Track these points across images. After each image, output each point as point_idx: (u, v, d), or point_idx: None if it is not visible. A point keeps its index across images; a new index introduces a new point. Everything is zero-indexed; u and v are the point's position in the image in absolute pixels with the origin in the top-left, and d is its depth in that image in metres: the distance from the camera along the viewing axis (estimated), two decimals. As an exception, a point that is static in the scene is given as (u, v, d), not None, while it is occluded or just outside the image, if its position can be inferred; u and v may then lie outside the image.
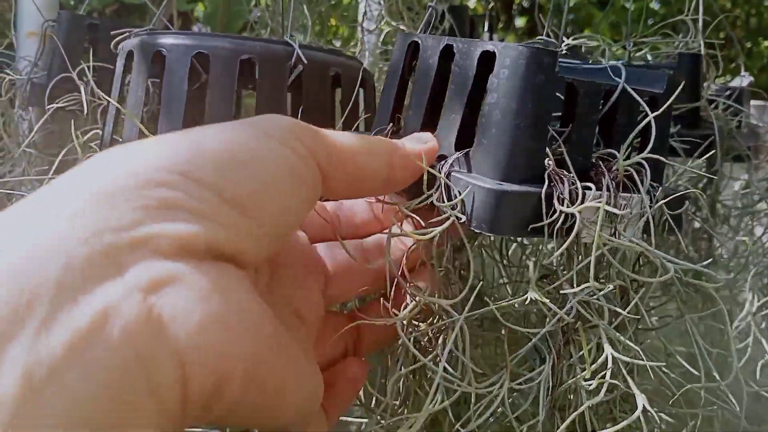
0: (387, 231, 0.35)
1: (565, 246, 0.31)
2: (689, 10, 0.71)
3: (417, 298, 0.34)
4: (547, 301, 0.31)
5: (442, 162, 0.35)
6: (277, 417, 0.29)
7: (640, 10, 0.80)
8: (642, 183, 0.35)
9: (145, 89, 0.49)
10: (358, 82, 0.51)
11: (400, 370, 0.36)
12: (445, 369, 0.33)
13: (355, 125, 0.50)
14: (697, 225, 0.69)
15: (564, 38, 0.74)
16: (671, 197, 0.36)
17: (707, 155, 0.67)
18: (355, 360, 0.37)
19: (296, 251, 0.36)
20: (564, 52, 0.58)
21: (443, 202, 0.34)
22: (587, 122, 0.35)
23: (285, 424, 0.30)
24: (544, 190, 0.32)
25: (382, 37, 0.84)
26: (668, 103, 0.37)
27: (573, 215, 0.31)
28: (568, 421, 0.32)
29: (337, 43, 1.08)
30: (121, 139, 0.50)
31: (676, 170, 0.72)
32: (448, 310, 0.33)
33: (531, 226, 0.32)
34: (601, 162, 0.35)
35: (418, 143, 0.35)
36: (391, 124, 0.42)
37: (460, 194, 0.33)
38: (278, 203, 0.29)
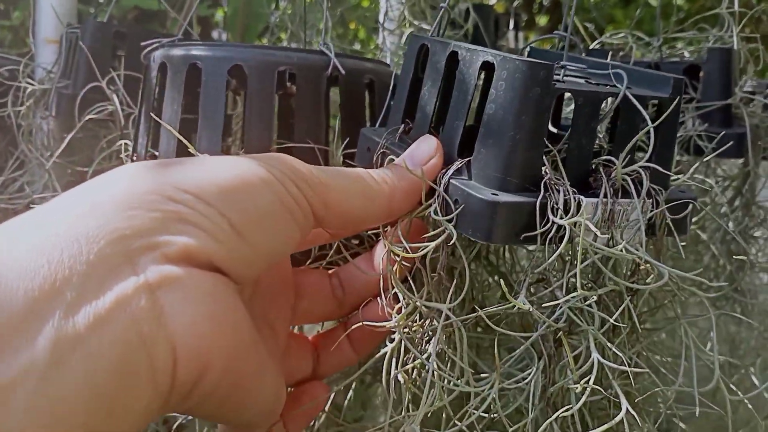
0: (384, 242, 0.44)
1: (555, 255, 0.39)
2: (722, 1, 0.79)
3: (413, 302, 0.43)
4: (532, 309, 0.39)
5: (443, 171, 0.43)
6: (241, 413, 0.39)
7: (664, 5, 0.88)
8: (642, 189, 0.42)
9: (181, 102, 0.56)
10: (390, 88, 0.59)
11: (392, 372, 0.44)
12: (440, 367, 0.41)
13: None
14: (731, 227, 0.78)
15: (585, 35, 0.84)
16: (672, 203, 0.43)
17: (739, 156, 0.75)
18: (319, 383, 0.48)
19: (277, 270, 0.47)
20: (581, 54, 0.65)
21: (440, 212, 0.42)
22: (585, 130, 0.42)
23: (247, 422, 0.40)
24: (538, 201, 0.40)
25: (404, 38, 0.93)
26: (669, 110, 0.43)
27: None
28: (554, 417, 0.40)
29: (356, 46, 1.17)
30: (158, 153, 0.58)
31: (711, 169, 0.80)
32: (446, 314, 0.42)
33: (524, 235, 0.40)
34: (602, 169, 0.43)
35: (419, 164, 0.44)
36: (403, 125, 0.50)
37: (457, 203, 0.41)
38: (272, 235, 0.38)
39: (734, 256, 0.78)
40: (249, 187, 0.38)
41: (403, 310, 0.43)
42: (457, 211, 0.41)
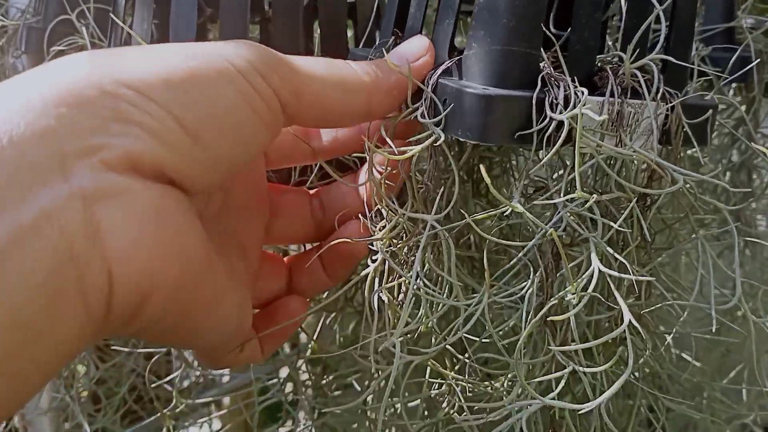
0: (367, 149, 0.40)
1: (551, 154, 0.35)
2: None
3: (399, 215, 0.39)
4: (525, 212, 0.35)
5: (431, 71, 0.39)
6: (196, 339, 0.35)
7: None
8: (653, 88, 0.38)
9: (150, 24, 0.54)
10: (374, 9, 0.56)
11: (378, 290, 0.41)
12: (425, 284, 0.37)
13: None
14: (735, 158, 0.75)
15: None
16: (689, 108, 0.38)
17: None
18: (296, 297, 0.44)
19: (249, 183, 0.42)
20: None
21: (428, 115, 0.38)
22: (588, 23, 0.38)
23: (205, 346, 0.37)
24: (534, 95, 0.36)
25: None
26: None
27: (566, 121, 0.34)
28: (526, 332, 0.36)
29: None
30: None
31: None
32: (431, 224, 0.38)
33: (518, 133, 0.36)
34: (609, 67, 0.38)
35: (406, 61, 0.39)
36: (393, 36, 0.46)
37: (446, 104, 0.37)
38: (232, 135, 0.33)
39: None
40: (204, 80, 0.32)
41: (387, 225, 0.39)
42: (445, 112, 0.37)
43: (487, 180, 0.34)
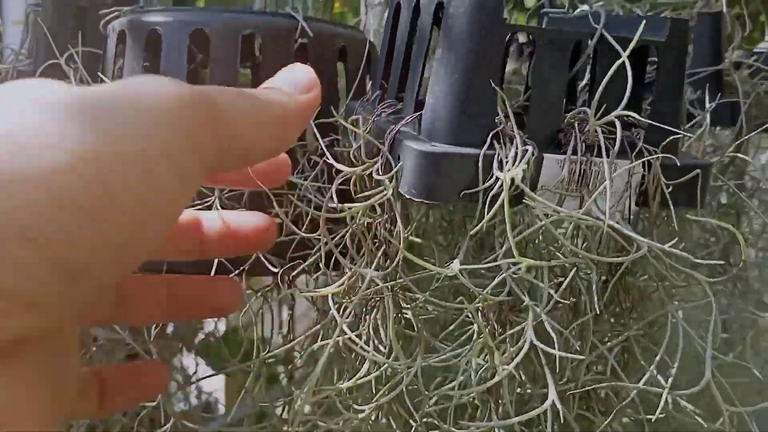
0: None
1: (490, 215, 0.34)
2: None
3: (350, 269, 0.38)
4: (462, 276, 0.33)
5: (391, 128, 0.39)
6: None
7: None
8: (631, 148, 0.37)
9: (141, 69, 0.54)
10: (365, 55, 0.56)
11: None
12: (368, 344, 0.37)
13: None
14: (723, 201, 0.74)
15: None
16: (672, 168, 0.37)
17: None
18: (162, 364, 0.40)
19: None
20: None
21: (381, 171, 0.37)
22: (552, 77, 0.37)
23: None
24: (482, 152, 0.35)
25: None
26: (666, 55, 0.38)
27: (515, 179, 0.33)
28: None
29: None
30: None
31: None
32: (376, 282, 0.37)
33: (463, 192, 0.35)
34: (576, 123, 0.37)
35: (302, 89, 0.34)
36: (380, 90, 0.46)
37: (398, 160, 0.36)
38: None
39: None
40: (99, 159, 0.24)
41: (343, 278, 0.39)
42: (396, 168, 0.36)
43: (410, 256, 0.33)
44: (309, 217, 0.51)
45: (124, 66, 0.55)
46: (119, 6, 0.71)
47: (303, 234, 0.45)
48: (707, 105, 0.54)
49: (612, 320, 0.40)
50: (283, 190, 0.53)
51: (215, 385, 1.06)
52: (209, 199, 0.51)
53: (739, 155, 0.61)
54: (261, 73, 0.54)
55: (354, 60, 0.57)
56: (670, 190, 0.38)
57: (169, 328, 0.83)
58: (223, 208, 0.51)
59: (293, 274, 0.51)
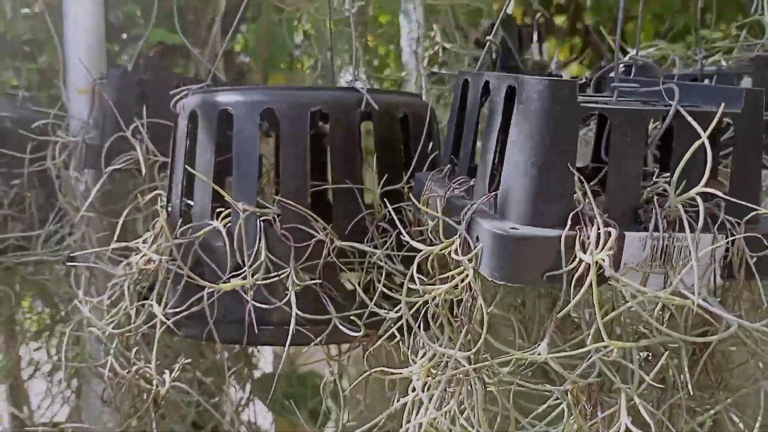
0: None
1: (578, 298, 0.33)
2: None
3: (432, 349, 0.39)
4: (549, 359, 0.33)
5: (467, 208, 0.39)
6: None
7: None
8: (713, 220, 0.36)
9: (214, 150, 0.55)
10: (427, 121, 0.57)
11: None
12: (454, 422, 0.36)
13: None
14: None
15: (627, 49, 0.79)
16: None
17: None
18: None
19: None
20: (622, 69, 0.60)
21: (461, 251, 0.38)
22: (628, 153, 0.37)
23: None
24: (563, 234, 0.34)
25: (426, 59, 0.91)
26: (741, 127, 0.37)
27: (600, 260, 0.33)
28: None
29: (386, 72, 1.16)
30: (192, 203, 0.57)
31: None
32: (461, 363, 0.37)
33: (547, 274, 0.34)
34: (655, 199, 0.37)
35: None
36: (450, 165, 0.47)
37: (478, 241, 0.36)
38: None
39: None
40: None
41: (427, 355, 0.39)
42: (476, 250, 0.36)
43: (496, 344, 0.34)
44: (381, 283, 0.52)
45: (197, 145, 0.56)
46: (180, 79, 0.73)
47: (381, 310, 0.45)
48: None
49: (700, 393, 0.39)
50: (354, 258, 0.54)
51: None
52: (285, 270, 0.52)
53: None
54: (329, 145, 0.56)
55: (416, 127, 0.58)
56: (754, 260, 0.37)
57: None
58: (297, 279, 0.52)
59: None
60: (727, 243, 0.37)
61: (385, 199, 0.54)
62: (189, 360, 0.60)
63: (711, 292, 0.37)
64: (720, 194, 0.37)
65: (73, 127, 0.85)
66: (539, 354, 0.34)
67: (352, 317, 0.52)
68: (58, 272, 0.90)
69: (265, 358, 1.03)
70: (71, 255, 0.80)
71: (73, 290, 0.75)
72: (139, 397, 0.58)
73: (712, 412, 0.38)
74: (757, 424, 0.35)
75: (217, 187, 0.52)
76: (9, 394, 1.09)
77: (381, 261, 0.53)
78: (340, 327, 0.51)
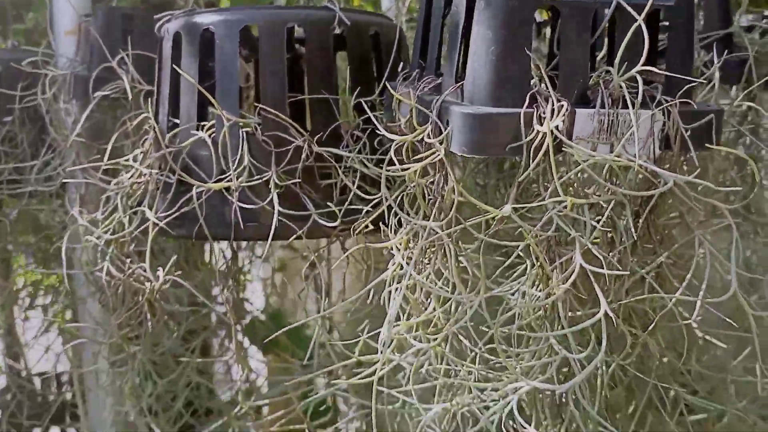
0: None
1: (536, 162, 0.38)
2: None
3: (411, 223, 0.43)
4: (514, 215, 0.38)
5: (437, 98, 0.43)
6: None
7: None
8: (652, 100, 0.41)
9: (197, 71, 0.59)
10: (397, 39, 0.61)
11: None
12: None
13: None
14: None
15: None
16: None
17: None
18: None
19: None
20: None
21: (433, 135, 0.42)
22: (577, 42, 0.41)
23: None
24: (522, 111, 0.39)
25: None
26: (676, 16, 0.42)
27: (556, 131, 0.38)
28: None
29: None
30: (178, 121, 0.60)
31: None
32: (435, 230, 0.42)
33: (510, 146, 0.39)
34: (601, 81, 0.41)
35: None
36: (418, 69, 0.51)
37: (447, 125, 0.41)
38: None
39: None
40: None
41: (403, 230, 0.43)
42: (446, 131, 0.41)
43: (469, 197, 0.37)
44: (356, 185, 0.56)
45: (181, 65, 0.60)
46: (158, 13, 0.75)
47: (364, 195, 0.49)
48: (716, 60, 0.57)
49: (644, 253, 0.44)
50: (332, 163, 0.58)
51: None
52: (266, 174, 0.56)
53: (753, 105, 0.63)
54: (305, 59, 0.60)
55: (387, 44, 0.61)
56: (688, 134, 0.42)
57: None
58: (279, 181, 0.56)
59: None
60: (664, 118, 0.41)
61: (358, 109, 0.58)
62: (177, 256, 0.64)
63: (651, 161, 0.41)
64: (657, 71, 0.41)
65: (61, 64, 0.87)
66: (505, 211, 0.38)
67: (331, 212, 0.55)
68: (53, 204, 0.93)
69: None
70: (64, 180, 0.84)
71: (66, 218, 0.79)
72: (134, 300, 0.61)
73: (654, 264, 0.42)
74: (689, 273, 0.40)
75: (203, 90, 0.56)
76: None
77: (355, 164, 0.57)
78: (319, 221, 0.55)
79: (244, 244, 0.88)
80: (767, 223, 0.76)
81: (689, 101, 0.43)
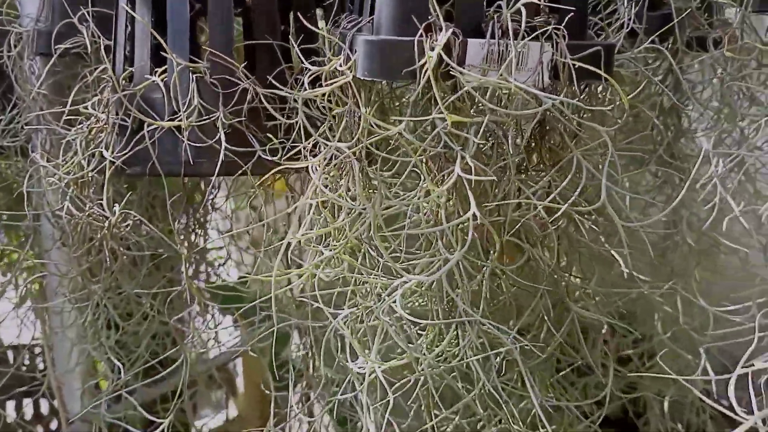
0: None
1: (424, 81, 0.45)
2: None
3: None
4: (404, 132, 0.45)
5: (352, 31, 0.50)
6: None
7: None
8: (543, 34, 0.46)
9: (150, 20, 0.64)
10: None
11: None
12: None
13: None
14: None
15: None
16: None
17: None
18: None
19: None
20: None
21: (345, 65, 0.49)
22: None
23: None
24: (416, 39, 0.45)
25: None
26: None
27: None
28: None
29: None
30: (133, 69, 0.66)
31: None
32: (343, 150, 0.49)
33: (405, 70, 0.46)
34: (495, 16, 0.47)
35: None
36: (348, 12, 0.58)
37: (355, 53, 0.47)
38: None
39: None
40: None
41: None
42: (354, 57, 0.47)
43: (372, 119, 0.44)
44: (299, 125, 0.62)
45: (136, 11, 0.65)
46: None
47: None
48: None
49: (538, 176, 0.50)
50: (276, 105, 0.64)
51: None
52: (214, 114, 0.61)
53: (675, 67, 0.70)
54: (252, 16, 0.65)
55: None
56: (576, 66, 0.48)
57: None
58: (226, 121, 0.61)
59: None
60: (552, 49, 0.47)
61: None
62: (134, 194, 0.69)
63: (540, 89, 0.47)
64: (543, 3, 0.48)
65: (26, 24, 0.92)
66: (399, 129, 0.44)
67: (275, 148, 0.61)
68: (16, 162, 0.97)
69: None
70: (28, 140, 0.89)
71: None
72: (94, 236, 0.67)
73: (542, 182, 0.48)
74: (577, 192, 0.47)
75: (156, 35, 0.62)
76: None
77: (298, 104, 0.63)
78: (263, 158, 0.61)
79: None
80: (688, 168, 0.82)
81: (578, 40, 0.49)
